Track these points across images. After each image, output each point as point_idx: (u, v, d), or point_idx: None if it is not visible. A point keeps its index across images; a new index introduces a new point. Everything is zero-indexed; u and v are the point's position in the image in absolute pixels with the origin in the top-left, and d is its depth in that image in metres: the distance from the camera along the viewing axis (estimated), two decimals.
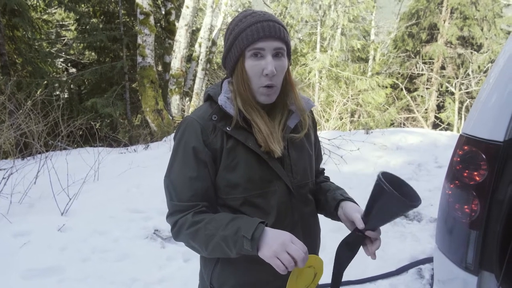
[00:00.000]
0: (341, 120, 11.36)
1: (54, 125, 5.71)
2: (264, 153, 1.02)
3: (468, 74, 14.09)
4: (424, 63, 14.90)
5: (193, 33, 11.76)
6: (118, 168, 4.48)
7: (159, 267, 2.67)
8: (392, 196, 0.89)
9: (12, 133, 4.95)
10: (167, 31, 10.26)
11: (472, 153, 1.43)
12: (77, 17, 9.66)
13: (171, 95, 8.73)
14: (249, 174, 1.01)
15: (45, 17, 11.27)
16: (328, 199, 1.15)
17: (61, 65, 11.42)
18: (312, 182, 1.16)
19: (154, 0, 9.89)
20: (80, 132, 7.02)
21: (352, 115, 13.56)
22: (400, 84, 14.72)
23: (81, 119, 6.19)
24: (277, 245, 0.87)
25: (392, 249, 2.97)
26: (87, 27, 9.74)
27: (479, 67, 13.91)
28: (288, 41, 1.02)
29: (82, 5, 10.09)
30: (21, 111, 5.51)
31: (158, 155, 5.32)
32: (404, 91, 14.85)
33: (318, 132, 1.28)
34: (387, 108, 13.92)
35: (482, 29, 14.16)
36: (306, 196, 1.12)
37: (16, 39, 8.38)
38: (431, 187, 4.10)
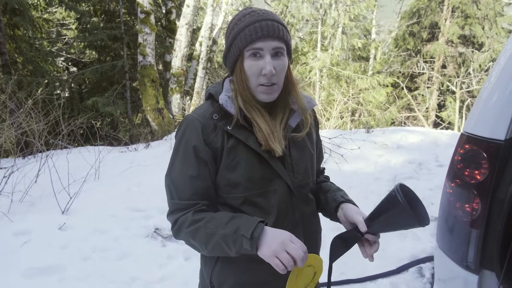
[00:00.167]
0: (341, 119, 11.35)
1: (54, 124, 5.71)
2: (265, 152, 1.01)
3: (469, 73, 14.06)
4: (425, 62, 14.87)
5: (194, 32, 11.76)
6: (118, 167, 4.48)
7: (160, 265, 2.67)
8: (405, 210, 0.90)
9: (13, 132, 4.96)
10: (167, 30, 10.26)
11: (473, 152, 1.42)
12: (78, 16, 9.65)
13: (171, 94, 8.73)
14: (249, 173, 1.01)
15: (45, 16, 11.28)
16: (329, 200, 1.15)
17: (61, 64, 11.42)
18: (313, 182, 1.16)
19: None
20: (81, 131, 7.02)
21: (353, 114, 13.55)
22: (401, 83, 14.71)
23: (81, 118, 6.19)
24: (276, 245, 0.87)
25: (393, 248, 2.97)
26: (88, 26, 9.74)
27: (480, 66, 13.88)
28: (287, 40, 1.01)
29: (83, 4, 10.09)
30: (22, 110, 5.51)
31: (159, 154, 5.32)
32: (405, 90, 14.84)
33: (319, 131, 1.27)
34: (388, 107, 13.90)
35: (483, 28, 14.13)
36: (307, 195, 1.12)
37: (17, 38, 8.39)
38: (431, 186, 4.10)
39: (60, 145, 6.01)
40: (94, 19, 10.19)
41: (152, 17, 7.88)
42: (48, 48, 10.10)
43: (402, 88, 14.89)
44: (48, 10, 11.22)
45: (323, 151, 1.35)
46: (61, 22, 12.55)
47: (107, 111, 8.42)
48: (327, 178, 1.31)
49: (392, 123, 13.90)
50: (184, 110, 9.30)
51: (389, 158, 5.22)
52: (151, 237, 3.01)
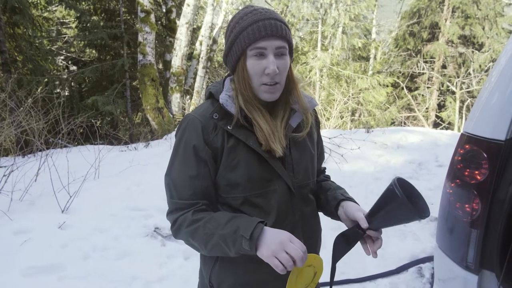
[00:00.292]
0: (341, 118, 11.35)
1: (54, 122, 5.71)
2: (265, 152, 1.01)
3: (469, 73, 14.07)
4: (425, 62, 14.87)
5: (194, 31, 11.75)
6: (118, 166, 4.48)
7: (160, 265, 2.67)
8: (403, 204, 0.90)
9: (12, 130, 4.95)
10: (167, 29, 10.25)
11: (473, 152, 1.42)
12: (78, 15, 9.63)
13: (171, 93, 8.73)
14: (249, 173, 1.01)
15: (45, 14, 11.27)
16: (329, 198, 1.15)
17: (61, 62, 11.41)
18: (313, 182, 1.16)
19: None
20: (81, 130, 7.02)
21: (353, 114, 13.55)
22: (401, 83, 14.71)
23: (81, 117, 6.18)
24: (275, 245, 0.87)
25: (393, 248, 2.97)
26: (88, 24, 9.73)
27: (480, 66, 13.88)
28: (290, 39, 1.01)
29: (83, 3, 10.08)
30: (21, 108, 5.51)
31: (159, 153, 5.32)
32: (405, 90, 14.84)
33: (320, 131, 1.27)
34: (388, 107, 13.90)
35: (483, 28, 14.13)
36: (307, 196, 1.12)
37: (17, 37, 8.38)
38: (431, 186, 4.10)
39: (60, 144, 6.01)
40: (94, 17, 10.18)
41: (152, 16, 7.88)
42: (48, 47, 10.10)
43: (402, 88, 14.90)
44: (48, 9, 11.21)
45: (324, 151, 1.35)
46: (61, 20, 12.54)
47: (107, 110, 8.42)
48: (328, 177, 1.31)
49: (392, 123, 13.91)
50: (184, 109, 9.29)
51: (389, 158, 5.23)
52: (151, 236, 3.01)
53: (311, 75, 13.05)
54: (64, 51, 11.15)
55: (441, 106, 15.46)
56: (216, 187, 1.05)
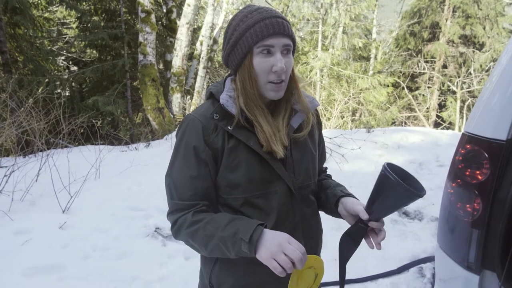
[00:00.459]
0: (342, 118, 11.35)
1: (55, 123, 5.71)
2: (266, 153, 1.00)
3: (470, 73, 14.05)
4: (426, 61, 14.86)
5: (195, 31, 11.76)
6: (119, 166, 4.49)
7: (160, 265, 2.67)
8: (399, 186, 0.89)
9: (13, 130, 4.96)
10: (168, 29, 10.26)
11: (474, 152, 1.42)
12: (79, 15, 9.65)
13: (172, 93, 8.73)
14: (250, 174, 1.00)
15: (46, 15, 11.28)
16: (329, 196, 1.15)
17: (62, 63, 11.42)
18: (314, 183, 1.15)
19: None
20: (82, 130, 7.03)
21: (354, 114, 13.54)
22: (402, 83, 14.70)
23: (82, 117, 6.19)
24: (273, 247, 0.86)
25: (393, 248, 2.97)
26: (89, 25, 9.74)
27: (481, 66, 13.87)
28: (294, 38, 1.02)
29: (84, 3, 10.09)
30: (22, 109, 5.52)
31: (159, 153, 5.32)
32: (406, 90, 14.83)
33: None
34: (389, 107, 13.89)
35: (484, 28, 14.12)
36: (307, 197, 1.11)
37: (18, 37, 8.39)
38: (432, 186, 4.09)
39: (60, 144, 6.02)
40: (95, 18, 10.19)
41: (152, 16, 7.88)
42: (49, 47, 10.11)
43: (403, 88, 14.89)
44: (48, 9, 11.23)
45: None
46: (62, 21, 12.56)
47: (107, 110, 8.43)
48: (329, 176, 1.30)
49: (393, 123, 13.90)
50: (185, 109, 9.30)
51: (390, 158, 5.22)
52: (151, 236, 3.01)
53: (312, 75, 13.05)
54: (64, 51, 11.16)
55: (441, 106, 15.45)
56: (216, 188, 1.05)
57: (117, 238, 2.88)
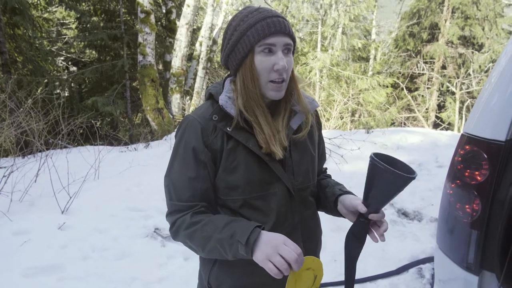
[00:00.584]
0: (341, 119, 11.36)
1: (54, 123, 5.70)
2: (265, 155, 1.00)
3: (469, 74, 14.07)
4: (425, 62, 14.88)
5: (194, 32, 11.76)
6: (118, 166, 4.48)
7: (159, 265, 2.67)
8: (389, 173, 0.90)
9: (12, 131, 4.95)
10: (167, 30, 10.26)
11: (473, 153, 1.42)
12: (78, 16, 9.64)
13: (171, 94, 8.73)
14: (249, 176, 1.00)
15: (45, 15, 11.27)
16: (327, 195, 1.15)
17: (61, 63, 11.42)
18: (313, 185, 1.15)
19: None
20: (81, 131, 7.01)
21: (353, 115, 13.55)
22: (401, 84, 14.71)
23: (81, 117, 6.18)
24: (269, 248, 0.86)
25: (393, 249, 2.96)
26: (88, 25, 9.73)
27: (480, 66, 13.89)
28: (295, 38, 1.02)
29: (83, 4, 10.08)
30: (21, 109, 5.51)
31: (159, 153, 5.32)
32: (405, 91, 14.84)
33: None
34: (388, 108, 13.90)
35: (483, 29, 14.13)
36: (307, 198, 1.11)
37: (17, 37, 8.38)
38: (431, 187, 4.10)
39: (59, 144, 6.01)
40: (94, 18, 10.18)
41: (152, 17, 7.88)
42: (48, 48, 10.09)
43: (402, 89, 14.90)
44: (48, 10, 11.22)
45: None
46: (61, 21, 12.55)
47: (107, 110, 8.42)
48: (328, 176, 1.30)
49: (392, 124, 13.91)
50: (184, 110, 9.30)
51: None
52: (150, 237, 3.01)
53: (311, 76, 13.06)
54: (64, 52, 11.15)
55: (441, 107, 15.46)
56: (215, 189, 1.04)
57: (116, 238, 2.88)
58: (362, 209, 0.99)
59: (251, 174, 1.00)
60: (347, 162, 4.99)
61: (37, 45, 9.02)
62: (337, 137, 5.78)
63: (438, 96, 15.13)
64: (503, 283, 1.33)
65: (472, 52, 14.22)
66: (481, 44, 14.30)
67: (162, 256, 2.77)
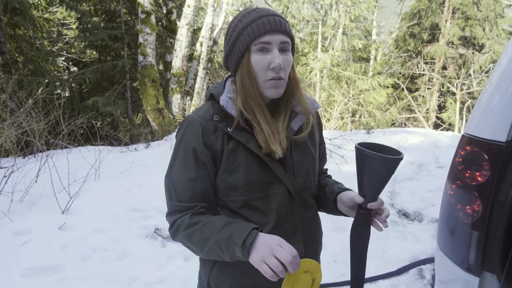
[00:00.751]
0: (342, 120, 11.36)
1: (55, 123, 5.71)
2: (265, 155, 1.00)
3: (470, 75, 14.06)
4: (426, 63, 14.87)
5: (194, 32, 11.77)
6: (119, 167, 4.48)
7: (160, 266, 2.67)
8: (376, 158, 0.92)
9: (13, 131, 4.95)
10: (168, 30, 10.26)
11: (474, 154, 1.42)
12: (79, 16, 9.65)
13: (172, 94, 8.74)
14: (249, 176, 1.00)
15: (46, 15, 11.28)
16: (327, 194, 1.15)
17: (62, 63, 11.42)
18: (314, 186, 1.15)
19: None
20: (81, 131, 7.02)
21: (353, 115, 13.55)
22: (402, 84, 14.71)
23: (82, 117, 6.18)
24: (264, 250, 0.85)
25: (393, 249, 2.96)
26: (89, 25, 9.74)
27: (480, 67, 13.88)
28: (293, 36, 1.02)
29: (84, 4, 10.10)
30: (22, 109, 5.51)
31: (159, 154, 5.32)
32: (405, 91, 14.83)
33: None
34: (388, 108, 13.89)
35: (483, 30, 14.13)
36: (307, 199, 1.11)
37: (18, 38, 8.38)
38: (432, 187, 4.09)
39: (60, 144, 6.01)
40: (95, 19, 10.19)
41: (152, 17, 7.88)
42: (49, 48, 10.10)
43: (403, 89, 14.89)
44: (48, 10, 11.23)
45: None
46: (62, 21, 12.56)
47: (107, 111, 8.42)
48: (329, 176, 1.30)
49: (393, 124, 13.90)
50: (185, 110, 9.30)
51: None
52: (151, 237, 3.01)
53: (312, 76, 13.06)
54: (64, 52, 11.17)
55: (441, 107, 15.45)
56: (215, 189, 1.04)
57: (116, 239, 2.88)
58: (359, 199, 1.00)
59: (251, 174, 1.00)
60: (347, 163, 4.98)
61: (37, 45, 9.03)
62: (338, 137, 5.78)
63: (439, 97, 15.13)
64: (503, 284, 1.32)
65: (473, 53, 14.21)
66: (482, 45, 14.29)
67: (162, 257, 2.77)
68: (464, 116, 14.20)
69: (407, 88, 15.02)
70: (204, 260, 1.12)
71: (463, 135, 1.52)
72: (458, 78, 14.21)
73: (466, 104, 14.03)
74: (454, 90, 14.30)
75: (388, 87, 13.62)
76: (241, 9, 16.64)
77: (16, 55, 8.42)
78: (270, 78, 0.98)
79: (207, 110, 1.04)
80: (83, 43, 10.02)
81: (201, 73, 10.35)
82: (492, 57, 13.57)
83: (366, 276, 2.68)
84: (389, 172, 0.95)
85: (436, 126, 14.60)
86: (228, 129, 1.00)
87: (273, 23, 0.96)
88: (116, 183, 3.96)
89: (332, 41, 14.46)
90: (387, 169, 0.94)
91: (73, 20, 11.56)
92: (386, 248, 2.94)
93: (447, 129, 13.77)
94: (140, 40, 7.83)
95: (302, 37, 15.63)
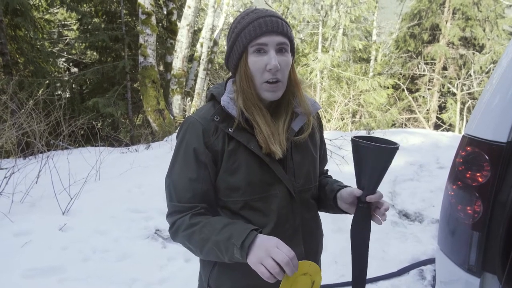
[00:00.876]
0: (342, 120, 11.35)
1: (55, 124, 5.71)
2: (266, 155, 1.00)
3: (470, 75, 14.05)
4: (426, 63, 14.87)
5: (195, 33, 11.77)
6: (119, 168, 4.48)
7: (160, 267, 2.66)
8: (372, 149, 0.92)
9: (14, 132, 4.96)
10: (168, 31, 10.27)
11: (475, 154, 1.42)
12: (79, 17, 9.67)
13: (172, 95, 8.74)
14: (250, 177, 1.00)
15: (47, 16, 11.30)
16: (327, 192, 1.15)
17: (63, 64, 11.44)
18: (315, 187, 1.14)
19: (156, 0, 9.88)
20: (82, 132, 7.02)
21: (354, 116, 13.54)
22: (402, 85, 14.70)
23: (82, 118, 6.19)
24: (261, 252, 0.85)
25: (394, 250, 2.96)
26: (89, 26, 9.75)
27: (481, 67, 13.87)
28: (291, 37, 1.01)
29: (84, 5, 10.11)
30: (23, 110, 5.52)
31: (159, 155, 5.31)
32: (406, 92, 14.83)
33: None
34: (389, 109, 13.89)
35: (484, 30, 14.13)
36: (308, 200, 1.11)
37: (18, 39, 8.40)
38: (432, 188, 4.09)
39: (61, 145, 6.01)
40: (95, 20, 10.20)
41: (153, 18, 7.89)
42: (50, 49, 10.12)
43: (403, 90, 14.88)
44: (49, 11, 11.24)
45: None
46: (63, 23, 12.58)
47: (108, 112, 8.42)
48: (329, 177, 1.30)
49: (393, 125, 13.89)
50: (185, 111, 9.30)
51: None
52: (151, 238, 3.01)
53: (312, 77, 13.06)
54: (65, 53, 11.18)
55: (442, 108, 15.44)
56: (216, 190, 1.04)
57: (117, 240, 2.88)
58: (358, 192, 1.00)
59: (252, 175, 1.00)
60: (347, 163, 4.98)
61: (38, 46, 9.04)
62: (338, 138, 5.78)
63: (439, 97, 15.12)
64: (504, 285, 1.32)
65: (473, 53, 14.21)
66: (482, 45, 14.29)
67: (162, 258, 2.77)
68: (464, 117, 14.19)
69: (407, 89, 15.02)
70: (204, 261, 1.11)
71: (463, 136, 1.52)
72: (459, 79, 14.21)
73: (467, 105, 14.02)
74: (455, 90, 14.30)
75: (388, 87, 13.61)
76: (241, 10, 16.66)
77: (17, 56, 8.43)
78: (267, 80, 0.98)
79: (208, 111, 1.04)
80: (84, 44, 10.03)
81: (201, 74, 10.35)
82: (493, 58, 13.57)
83: (366, 277, 2.68)
84: (385, 163, 0.95)
85: (437, 127, 14.60)
86: (229, 130, 1.00)
87: (269, 24, 0.96)
88: (117, 184, 3.96)
89: (333, 42, 14.47)
90: (384, 160, 0.94)
91: (74, 21, 11.58)
92: (387, 249, 2.94)
93: (448, 130, 13.76)
94: (141, 41, 7.83)
95: (303, 38, 15.64)
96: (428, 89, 14.84)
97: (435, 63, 14.98)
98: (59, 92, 9.08)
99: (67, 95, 9.71)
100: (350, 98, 11.85)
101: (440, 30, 14.70)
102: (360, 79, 13.07)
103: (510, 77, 1.40)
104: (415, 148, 5.77)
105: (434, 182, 4.28)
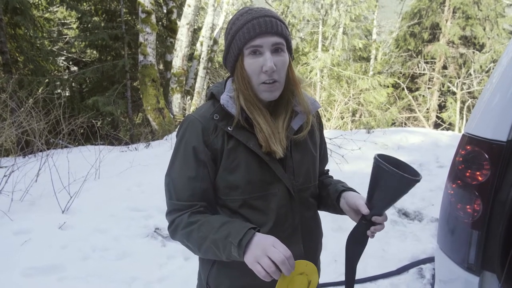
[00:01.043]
0: (342, 119, 11.35)
1: (55, 123, 5.71)
2: (265, 154, 1.00)
3: (470, 74, 14.05)
4: (426, 62, 14.86)
5: (195, 32, 11.76)
6: (119, 166, 4.48)
7: (160, 265, 2.67)
8: (394, 175, 0.88)
9: (13, 131, 4.96)
10: (168, 30, 10.26)
11: (474, 153, 1.42)
12: (79, 16, 9.65)
13: (172, 93, 8.73)
14: (249, 176, 1.00)
15: (47, 15, 11.29)
16: (330, 192, 1.14)
17: (62, 63, 11.43)
18: (314, 186, 1.14)
19: None
20: (81, 130, 7.02)
21: (354, 115, 13.54)
22: (402, 84, 14.70)
23: (82, 117, 6.19)
24: (258, 250, 0.85)
25: (393, 249, 2.96)
26: (89, 25, 9.74)
27: (481, 66, 13.87)
28: (286, 35, 1.00)
29: (84, 4, 10.10)
30: (22, 109, 5.52)
31: (159, 153, 5.32)
32: (406, 91, 14.83)
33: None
34: (389, 108, 13.89)
35: (484, 29, 14.12)
36: (307, 199, 1.10)
37: (18, 37, 8.39)
38: (432, 187, 4.09)
39: (60, 144, 6.01)
40: (95, 18, 10.19)
41: (153, 17, 7.88)
42: (49, 47, 10.11)
43: (403, 89, 14.89)
44: (49, 9, 11.23)
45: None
46: (62, 21, 12.57)
47: (107, 110, 8.42)
48: (330, 177, 1.29)
49: (393, 124, 13.89)
50: (185, 110, 9.30)
51: None
52: (151, 237, 3.01)
53: (312, 76, 13.05)
54: (65, 51, 11.17)
55: (441, 107, 15.44)
56: (215, 188, 1.04)
57: (116, 238, 2.88)
58: (365, 210, 0.98)
59: (251, 174, 1.00)
60: (347, 162, 4.98)
61: (38, 45, 9.04)
62: (338, 137, 5.78)
63: (439, 96, 15.12)
64: (504, 284, 1.32)
65: (473, 52, 14.20)
66: (482, 44, 14.28)
67: (162, 256, 2.77)
68: (464, 116, 14.19)
69: (407, 88, 15.02)
70: (203, 260, 1.12)
71: (463, 135, 1.52)
72: (459, 78, 14.21)
73: (467, 104, 14.02)
74: (455, 89, 14.30)
75: (388, 86, 13.61)
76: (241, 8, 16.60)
77: (17, 54, 8.43)
78: (264, 81, 0.97)
79: (208, 109, 1.04)
80: (84, 43, 10.02)
81: (201, 72, 10.35)
82: (493, 57, 13.57)
83: (366, 276, 2.68)
84: (402, 191, 0.92)
85: (437, 126, 14.60)
86: (228, 128, 1.00)
87: (263, 25, 0.95)
88: (116, 182, 3.96)
89: (333, 41, 14.45)
90: (402, 188, 0.91)
91: (74, 20, 11.57)
92: (386, 248, 2.94)
93: (448, 129, 13.77)
94: (141, 39, 7.83)
95: (303, 37, 15.62)
96: (428, 88, 14.84)
97: (435, 62, 14.98)
98: (59, 91, 9.06)
99: (67, 94, 9.71)
100: (350, 97, 11.85)
101: (440, 29, 14.70)
102: (360, 78, 13.06)
103: (510, 76, 1.40)
104: (415, 147, 5.77)
105: (434, 181, 4.28)
